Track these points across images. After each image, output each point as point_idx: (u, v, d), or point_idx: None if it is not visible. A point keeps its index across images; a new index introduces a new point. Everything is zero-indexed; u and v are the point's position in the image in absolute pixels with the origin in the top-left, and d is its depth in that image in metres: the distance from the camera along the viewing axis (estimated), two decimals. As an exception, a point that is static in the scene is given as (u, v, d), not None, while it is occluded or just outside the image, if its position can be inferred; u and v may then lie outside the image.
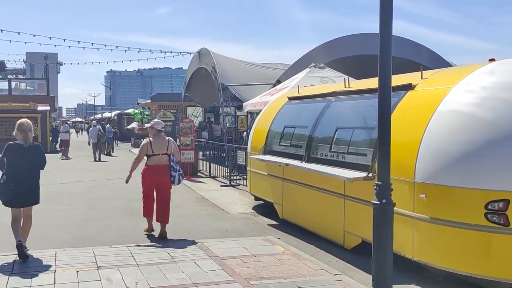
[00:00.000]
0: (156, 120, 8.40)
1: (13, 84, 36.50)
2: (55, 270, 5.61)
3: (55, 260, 5.99)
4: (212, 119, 29.61)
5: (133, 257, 6.21)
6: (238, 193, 12.23)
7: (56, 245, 6.95)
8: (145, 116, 34.22)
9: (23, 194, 6.23)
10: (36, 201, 6.45)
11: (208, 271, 5.66)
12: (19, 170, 6.20)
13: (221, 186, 13.39)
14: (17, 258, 6.05)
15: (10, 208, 6.33)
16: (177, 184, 7.71)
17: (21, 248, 5.99)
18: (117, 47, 35.64)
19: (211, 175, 15.36)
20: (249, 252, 6.46)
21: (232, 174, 13.65)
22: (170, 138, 7.93)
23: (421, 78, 6.21)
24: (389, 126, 4.49)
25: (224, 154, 15.50)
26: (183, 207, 10.35)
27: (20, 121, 6.50)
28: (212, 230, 8.10)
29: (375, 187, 4.51)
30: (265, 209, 9.65)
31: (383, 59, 4.47)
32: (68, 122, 34.67)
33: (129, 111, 44.48)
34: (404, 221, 5.39)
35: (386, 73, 4.49)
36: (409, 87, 6.14)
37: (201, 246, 6.80)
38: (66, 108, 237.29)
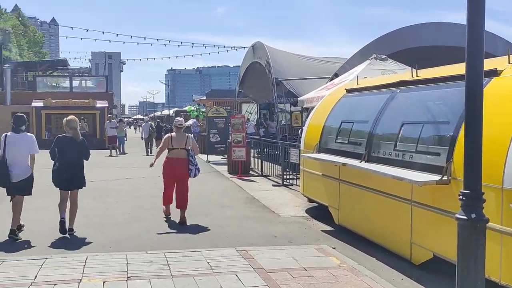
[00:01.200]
0: (177, 118, 9.16)
1: (76, 82, 37.41)
2: (81, 280, 5.02)
3: (84, 267, 5.42)
4: (267, 116, 28.92)
5: (169, 266, 5.54)
6: (290, 193, 11.41)
7: (91, 248, 6.45)
8: (200, 113, 34.07)
9: (70, 180, 7.23)
10: (81, 185, 7.41)
11: (250, 287, 4.90)
12: (67, 159, 7.18)
13: (273, 185, 12.61)
14: (44, 262, 5.55)
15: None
16: (193, 176, 8.33)
17: (63, 224, 7.03)
18: (179, 45, 35.58)
19: (263, 174, 14.62)
20: (299, 265, 5.64)
21: (285, 173, 12.85)
22: (189, 134, 8.64)
23: (509, 63, 5.14)
24: (480, 120, 3.50)
25: (277, 152, 14.72)
26: (232, 207, 9.66)
27: (68, 118, 7.41)
28: (260, 235, 7.34)
29: (461, 197, 3.53)
30: (319, 212, 8.79)
31: (473, 34, 3.49)
32: (124, 119, 34.94)
33: (186, 108, 44.63)
34: (490, 236, 4.39)
35: (477, 55, 3.51)
36: (493, 73, 5.10)
37: (245, 255, 6.04)
38: (129, 106, 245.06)
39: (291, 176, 12.78)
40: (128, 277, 5.14)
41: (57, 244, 6.71)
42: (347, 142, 7.58)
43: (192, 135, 9.10)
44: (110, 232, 7.42)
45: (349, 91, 8.53)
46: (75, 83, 36.71)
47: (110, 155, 22.23)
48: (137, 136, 41.16)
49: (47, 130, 28.17)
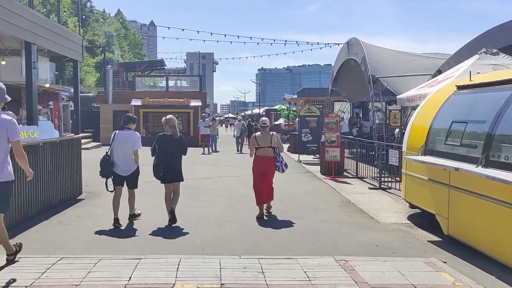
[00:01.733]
0: (262, 118, 9.53)
1: (172, 82, 38.70)
2: (174, 284, 4.83)
3: (177, 271, 5.24)
4: (361, 115, 27.94)
5: (263, 273, 5.21)
6: (389, 198, 10.70)
7: (184, 249, 6.29)
8: (291, 112, 33.78)
9: (170, 173, 7.85)
10: (180, 179, 8.01)
11: (353, 304, 4.43)
12: (167, 155, 7.79)
13: (369, 188, 11.93)
14: (139, 263, 5.46)
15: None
16: (281, 172, 8.69)
17: (173, 213, 7.69)
18: (271, 44, 35.85)
19: (358, 176, 13.95)
20: (407, 280, 5.06)
21: (382, 176, 12.12)
22: (273, 132, 8.87)
23: None
24: None
25: (373, 153, 13.98)
26: (326, 211, 9.20)
27: (168, 117, 7.95)
28: (359, 243, 6.81)
29: None
30: (423, 219, 8.07)
31: None
32: (216, 118, 35.50)
33: (276, 107, 44.59)
34: None
35: None
36: None
37: (345, 265, 5.57)
38: (221, 105, 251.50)
39: (389, 179, 12.03)
40: (221, 284, 4.87)
41: (152, 242, 6.68)
42: (459, 144, 6.82)
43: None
44: (202, 233, 7.27)
45: (460, 88, 7.71)
46: (171, 82, 37.94)
47: (203, 153, 22.60)
48: (227, 134, 41.90)
49: (145, 127, 29.32)
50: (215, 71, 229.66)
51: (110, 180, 7.80)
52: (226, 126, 67.15)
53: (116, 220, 7.53)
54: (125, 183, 7.85)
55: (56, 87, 19.57)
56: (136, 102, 29.82)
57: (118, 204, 7.65)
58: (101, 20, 71.14)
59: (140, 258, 5.65)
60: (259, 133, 8.78)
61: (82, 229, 7.47)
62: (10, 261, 5.44)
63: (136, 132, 7.87)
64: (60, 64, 25.06)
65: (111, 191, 7.76)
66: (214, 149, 24.57)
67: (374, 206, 9.64)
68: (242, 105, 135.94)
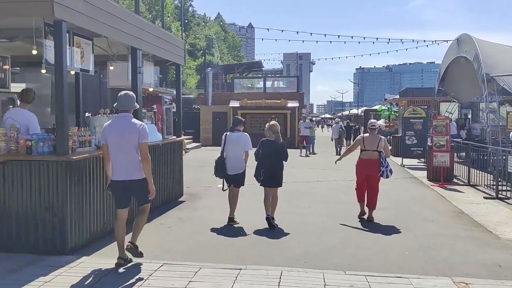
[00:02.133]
0: (371, 120, 9.41)
1: (269, 83, 38.91)
2: (276, 301, 4.56)
3: (279, 285, 4.96)
4: (470, 116, 26.04)
5: (372, 294, 4.78)
6: (508, 209, 9.65)
7: (285, 260, 6.01)
8: (392, 113, 32.39)
9: (271, 178, 7.93)
10: (279, 185, 8.07)
11: None
12: (269, 160, 7.91)
13: (484, 198, 10.88)
14: (239, 274, 5.26)
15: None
16: (385, 177, 8.38)
17: (268, 219, 7.77)
18: (373, 42, 34.92)
19: (470, 183, 12.83)
20: (544, 313, 4.36)
21: (500, 184, 11.00)
22: (381, 136, 8.63)
23: None
24: None
25: (486, 158, 12.79)
26: (437, 222, 8.46)
27: (271, 123, 8.14)
28: (478, 262, 6.10)
29: None
30: (553, 238, 7.11)
31: None
32: (312, 119, 34.90)
33: (376, 107, 43.12)
34: None
35: None
36: None
37: (465, 289, 4.96)
38: (317, 105, 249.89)
39: (507, 188, 10.89)
40: (327, 303, 4.52)
41: (252, 249, 6.48)
42: None
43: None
44: (303, 242, 6.94)
45: None
46: (268, 83, 38.14)
47: (300, 155, 22.29)
48: (324, 136, 41.22)
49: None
50: (311, 71, 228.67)
51: (220, 180, 8.17)
52: (322, 127, 66.29)
53: (231, 219, 8.00)
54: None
55: (160, 90, 20.29)
56: (234, 104, 30.26)
57: (235, 202, 8.09)
58: (202, 23, 73.59)
59: (241, 269, 5.46)
60: (367, 134, 8.69)
61: (183, 232, 7.49)
62: (120, 265, 5.51)
63: (246, 134, 8.12)
64: (164, 67, 26.20)
65: (225, 190, 8.15)
66: (311, 151, 24.17)
67: (492, 219, 8.73)
68: (339, 105, 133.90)
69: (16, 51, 8.90)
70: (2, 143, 6.16)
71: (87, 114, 9.86)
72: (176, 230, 7.63)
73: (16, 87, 9.86)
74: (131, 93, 5.75)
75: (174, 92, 19.82)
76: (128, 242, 5.60)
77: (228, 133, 8.13)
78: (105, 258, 5.82)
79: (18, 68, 14.82)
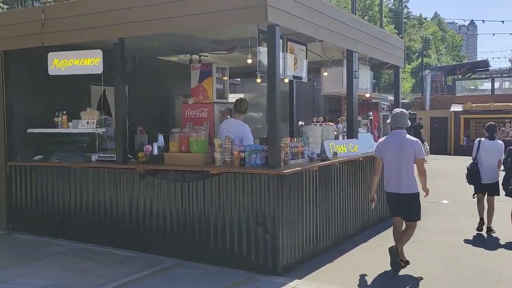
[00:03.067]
0: None
1: (496, 84, 34.58)
2: None
3: None
4: None
5: None
6: None
7: None
8: None
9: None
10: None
11: None
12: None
13: None
14: None
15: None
16: None
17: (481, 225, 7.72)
18: None
19: None
20: None
21: None
22: None
23: None
24: None
25: None
26: None
27: None
28: None
29: None
30: None
31: None
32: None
33: None
34: None
35: None
36: None
37: None
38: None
39: None
40: None
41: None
42: None
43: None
44: None
45: None
46: (496, 84, 33.85)
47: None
48: None
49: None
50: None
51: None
52: None
53: (481, 226, 7.77)
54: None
55: (376, 96, 19.37)
56: (456, 108, 27.49)
57: (482, 210, 7.85)
58: (417, 25, 70.00)
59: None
60: None
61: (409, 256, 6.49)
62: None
63: (501, 142, 7.96)
64: (376, 72, 25.21)
65: (474, 197, 7.94)
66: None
67: None
68: None
69: (235, 62, 9.08)
70: (218, 154, 6.10)
71: (300, 123, 9.62)
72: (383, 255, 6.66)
73: (235, 97, 10.13)
74: (405, 111, 6.19)
75: (389, 98, 18.74)
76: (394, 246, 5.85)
77: (482, 139, 7.93)
78: (318, 283, 5.26)
79: (239, 79, 15.61)
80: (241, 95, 10.43)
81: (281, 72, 6.24)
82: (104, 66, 6.56)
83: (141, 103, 9.64)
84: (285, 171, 5.63)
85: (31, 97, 7.61)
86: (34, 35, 6.89)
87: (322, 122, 9.23)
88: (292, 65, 7.04)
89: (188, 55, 8.94)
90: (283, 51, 6.56)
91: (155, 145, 6.54)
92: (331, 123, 8.98)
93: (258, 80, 7.69)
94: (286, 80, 7.94)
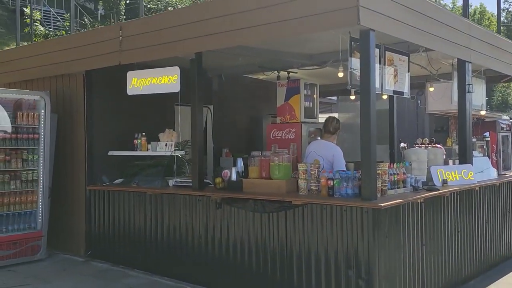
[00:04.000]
0: None
1: None
2: None
3: None
4: None
5: None
6: None
7: None
8: None
9: None
10: None
11: None
12: None
13: None
14: None
15: None
16: None
17: None
18: None
19: None
20: None
21: None
22: None
23: None
24: None
25: None
26: None
27: None
28: None
29: None
30: None
31: None
32: None
33: None
34: None
35: None
36: None
37: None
38: None
39: None
40: None
41: None
42: None
43: None
44: None
45: None
46: None
47: None
48: None
49: None
50: None
51: None
52: None
53: None
54: None
55: (493, 114, 17.35)
56: None
57: None
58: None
59: None
60: None
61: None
62: None
63: None
64: (486, 89, 22.74)
65: None
66: None
67: None
68: None
69: (328, 78, 8.28)
70: (303, 181, 5.27)
71: (402, 145, 8.52)
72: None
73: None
74: None
75: (504, 116, 16.69)
76: None
77: None
78: None
79: (335, 98, 14.65)
80: (335, 115, 9.55)
81: (377, 86, 5.30)
82: (183, 85, 6.08)
83: (227, 124, 9.17)
84: (382, 204, 4.64)
85: (113, 118, 7.38)
86: (112, 53, 6.62)
87: (428, 144, 7.95)
88: (391, 79, 6.04)
89: (276, 71, 8.29)
90: (380, 63, 5.62)
91: (234, 170, 5.87)
92: (439, 145, 7.74)
93: (352, 97, 6.77)
94: (385, 96, 6.96)
